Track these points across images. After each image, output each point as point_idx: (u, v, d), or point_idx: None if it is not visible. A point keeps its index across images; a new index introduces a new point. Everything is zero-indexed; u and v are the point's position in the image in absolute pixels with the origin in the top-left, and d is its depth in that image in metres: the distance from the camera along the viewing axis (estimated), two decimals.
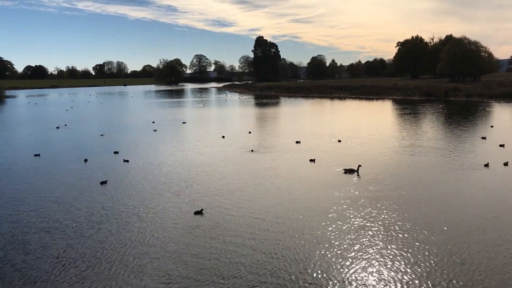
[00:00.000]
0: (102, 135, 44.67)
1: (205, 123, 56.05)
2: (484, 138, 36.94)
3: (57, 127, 52.74)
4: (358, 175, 25.04)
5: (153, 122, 56.04)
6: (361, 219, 17.83)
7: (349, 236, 16.12)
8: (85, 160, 30.89)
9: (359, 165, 25.90)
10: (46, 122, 60.41)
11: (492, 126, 44.60)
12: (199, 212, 18.90)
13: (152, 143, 39.04)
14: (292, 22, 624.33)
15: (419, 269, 13.40)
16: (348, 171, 25.74)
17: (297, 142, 36.99)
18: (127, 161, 30.64)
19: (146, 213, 19.24)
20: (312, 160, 29.36)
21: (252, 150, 33.68)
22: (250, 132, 43.85)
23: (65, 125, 55.29)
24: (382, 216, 18.17)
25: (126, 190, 23.12)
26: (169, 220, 18.29)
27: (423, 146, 34.36)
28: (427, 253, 14.49)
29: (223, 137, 41.26)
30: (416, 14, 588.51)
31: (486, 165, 26.58)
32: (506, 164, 26.77)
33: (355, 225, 17.20)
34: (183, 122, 55.47)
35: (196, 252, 15.02)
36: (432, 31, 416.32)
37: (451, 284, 12.51)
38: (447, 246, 15.04)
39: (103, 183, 24.55)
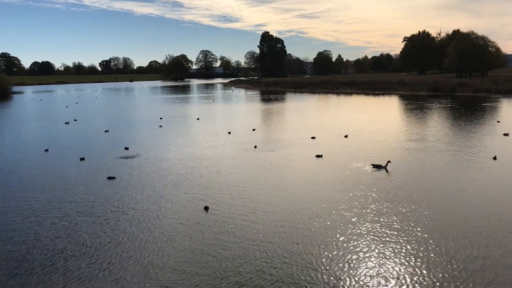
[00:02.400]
0: (106, 131, 44.70)
1: (213, 119, 55.97)
2: (506, 134, 36.03)
3: (66, 123, 53.15)
4: (387, 171, 24.57)
5: (161, 118, 56.05)
6: (378, 217, 17.78)
7: (361, 232, 16.11)
8: (82, 159, 30.15)
9: (388, 161, 25.28)
10: (49, 118, 60.72)
11: (498, 121, 44.23)
12: (205, 208, 18.85)
13: (158, 139, 39.11)
14: (298, 18, 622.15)
15: (436, 269, 13.39)
16: (377, 167, 25.32)
17: (312, 137, 36.82)
18: (135, 156, 30.78)
19: (153, 208, 19.30)
20: (319, 156, 29.35)
21: (255, 146, 33.55)
22: (254, 130, 43.11)
23: (75, 120, 55.97)
24: (401, 213, 18.12)
25: (134, 185, 23.18)
26: (174, 215, 18.33)
27: (439, 141, 34.12)
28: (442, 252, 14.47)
29: (229, 133, 41.29)
30: (423, 9, 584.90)
31: (494, 158, 26.89)
32: None
33: (368, 221, 17.17)
34: (197, 118, 54.82)
35: (204, 248, 15.05)
36: (438, 26, 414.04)
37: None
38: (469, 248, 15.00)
39: (110, 178, 24.67)
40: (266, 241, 15.40)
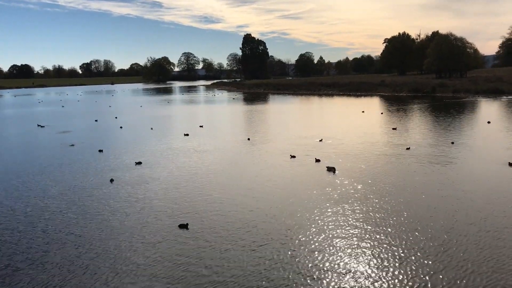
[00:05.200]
0: (72, 145, 38.76)
1: (175, 124, 55.73)
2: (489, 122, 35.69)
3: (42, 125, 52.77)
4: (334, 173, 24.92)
5: (151, 128, 53.18)
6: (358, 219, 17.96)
7: (340, 238, 16.25)
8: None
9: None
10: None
11: (489, 122, 44.31)
12: (184, 226, 17.38)
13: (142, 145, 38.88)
14: (281, 18, 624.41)
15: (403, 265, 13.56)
16: (330, 169, 25.63)
17: (319, 140, 36.28)
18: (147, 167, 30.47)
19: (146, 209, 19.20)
20: (293, 156, 29.74)
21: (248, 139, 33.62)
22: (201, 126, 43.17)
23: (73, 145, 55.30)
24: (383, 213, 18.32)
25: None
26: (153, 230, 18.23)
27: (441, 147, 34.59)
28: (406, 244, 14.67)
29: (201, 126, 41.19)
30: (408, 9, 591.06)
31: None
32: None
33: (347, 225, 17.33)
34: (200, 126, 49.32)
35: (184, 261, 15.01)
36: (423, 26, 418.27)
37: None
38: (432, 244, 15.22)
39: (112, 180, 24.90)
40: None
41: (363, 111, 60.07)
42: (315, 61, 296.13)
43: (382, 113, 57.18)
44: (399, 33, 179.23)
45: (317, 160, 28.21)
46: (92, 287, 12.84)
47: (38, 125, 54.28)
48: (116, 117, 62.78)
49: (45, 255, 15.12)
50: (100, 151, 34.52)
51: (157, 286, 12.73)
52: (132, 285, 12.87)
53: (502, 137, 35.47)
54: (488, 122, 43.83)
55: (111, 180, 24.74)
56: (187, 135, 41.97)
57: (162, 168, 27.66)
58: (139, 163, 29.25)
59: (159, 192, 22.21)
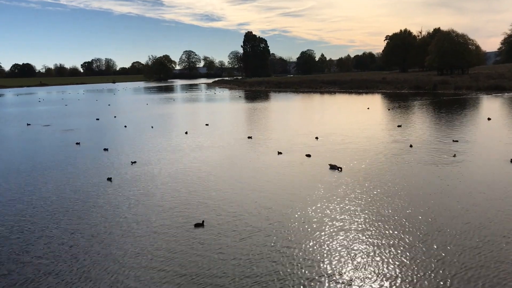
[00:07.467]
0: (78, 143, 39.09)
1: (176, 120, 56.01)
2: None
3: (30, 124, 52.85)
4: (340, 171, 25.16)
5: (152, 127, 50.67)
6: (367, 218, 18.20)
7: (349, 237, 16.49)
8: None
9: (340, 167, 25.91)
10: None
11: (489, 119, 44.40)
12: (200, 225, 17.34)
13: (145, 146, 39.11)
14: (282, 16, 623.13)
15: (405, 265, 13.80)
16: (333, 167, 25.81)
17: (316, 138, 36.72)
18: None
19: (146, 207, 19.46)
20: (280, 153, 30.54)
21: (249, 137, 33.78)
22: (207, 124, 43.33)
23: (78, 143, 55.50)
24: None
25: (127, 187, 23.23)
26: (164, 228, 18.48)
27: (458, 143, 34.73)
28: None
29: (206, 124, 41.39)
30: (408, 6, 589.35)
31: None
32: None
33: (355, 223, 17.58)
34: (206, 124, 49.35)
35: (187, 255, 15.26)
36: (423, 23, 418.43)
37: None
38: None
39: (108, 179, 25.11)
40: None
41: (368, 108, 60.83)
42: (316, 59, 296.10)
43: (389, 109, 57.86)
44: (401, 30, 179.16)
45: (308, 155, 29.34)
46: (96, 287, 13.14)
47: (28, 124, 55.66)
48: (115, 117, 62.88)
49: (41, 253, 15.43)
50: (105, 149, 34.81)
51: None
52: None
53: (504, 134, 35.58)
54: (489, 119, 43.98)
55: (109, 179, 25.05)
56: (186, 133, 42.48)
57: (163, 167, 27.94)
58: (134, 162, 29.48)
59: (159, 190, 22.52)
